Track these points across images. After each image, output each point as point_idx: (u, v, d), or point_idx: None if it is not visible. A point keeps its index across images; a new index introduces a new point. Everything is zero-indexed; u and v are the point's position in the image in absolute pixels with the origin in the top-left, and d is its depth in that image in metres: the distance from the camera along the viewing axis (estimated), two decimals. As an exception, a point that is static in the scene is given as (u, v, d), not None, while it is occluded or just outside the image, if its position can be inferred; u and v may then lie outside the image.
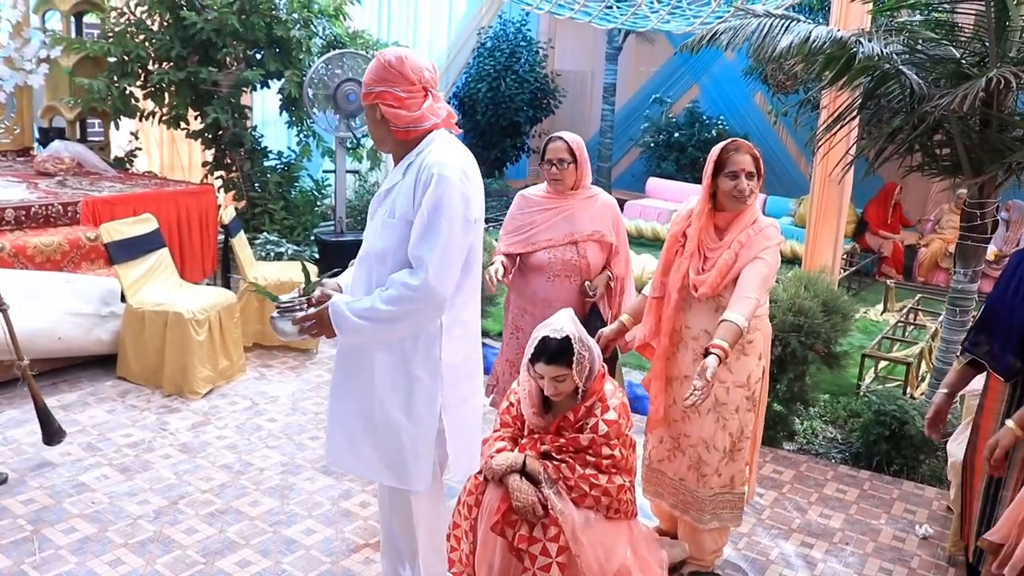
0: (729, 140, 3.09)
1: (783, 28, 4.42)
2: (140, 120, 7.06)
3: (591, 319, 3.70)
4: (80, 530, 3.41)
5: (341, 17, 7.31)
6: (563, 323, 2.87)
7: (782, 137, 11.45)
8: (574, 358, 2.80)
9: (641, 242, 9.82)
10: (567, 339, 2.81)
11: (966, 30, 4.69)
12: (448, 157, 2.44)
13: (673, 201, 10.69)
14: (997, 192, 4.71)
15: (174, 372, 4.73)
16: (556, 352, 2.80)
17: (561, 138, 3.70)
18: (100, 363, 5.03)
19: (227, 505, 3.67)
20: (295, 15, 6.84)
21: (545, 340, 2.83)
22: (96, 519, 3.50)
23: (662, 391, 3.26)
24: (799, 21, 4.52)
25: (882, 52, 4.26)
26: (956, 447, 3.51)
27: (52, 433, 3.89)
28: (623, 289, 3.91)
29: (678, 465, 3.26)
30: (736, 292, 2.97)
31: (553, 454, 2.89)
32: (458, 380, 2.61)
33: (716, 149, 3.07)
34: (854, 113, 4.90)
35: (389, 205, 2.51)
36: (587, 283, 3.74)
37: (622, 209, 10.58)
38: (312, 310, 2.49)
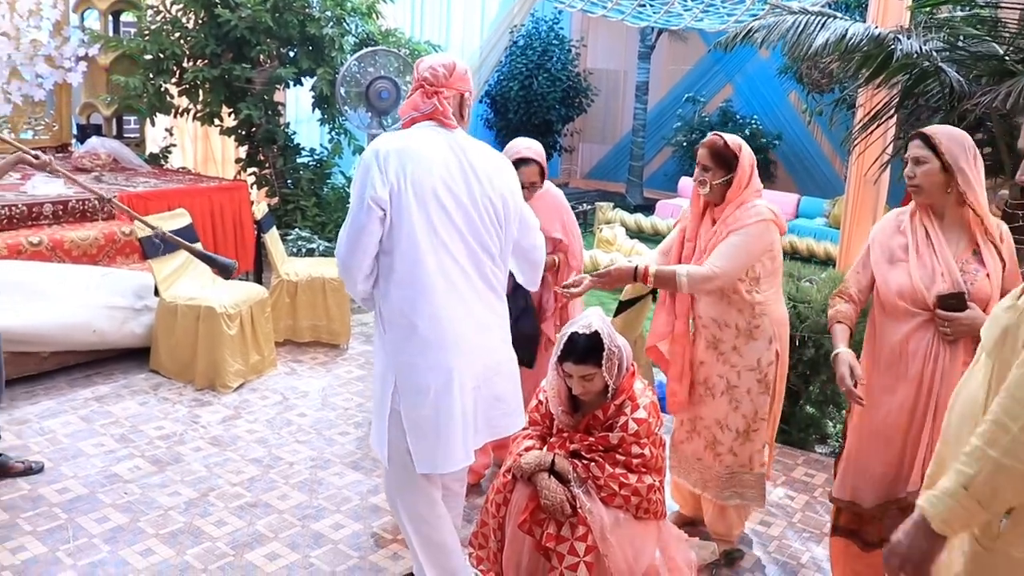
0: (709, 135, 3.29)
1: (819, 25, 4.36)
2: (175, 117, 7.14)
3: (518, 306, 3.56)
4: (113, 520, 3.45)
5: (374, 15, 7.34)
6: (592, 320, 2.85)
7: (817, 137, 11.34)
8: (603, 355, 2.78)
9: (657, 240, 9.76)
10: (596, 335, 2.79)
11: (1010, 26, 4.60)
12: (378, 140, 2.61)
13: (705, 201, 10.60)
14: (1040, 193, 4.61)
15: (206, 366, 4.77)
16: (585, 351, 2.77)
17: (533, 160, 3.52)
18: (133, 356, 5.08)
19: (256, 498, 3.69)
20: (328, 13, 6.88)
21: (573, 338, 2.80)
22: (128, 509, 3.53)
23: (686, 375, 3.36)
24: (835, 18, 4.46)
25: (921, 49, 4.19)
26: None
27: (224, 267, 3.84)
28: (562, 272, 3.73)
29: (696, 446, 3.39)
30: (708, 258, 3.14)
31: (582, 453, 2.87)
32: (413, 370, 2.62)
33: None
34: (891, 112, 4.82)
35: None
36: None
37: (654, 209, 10.65)
38: None
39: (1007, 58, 4.45)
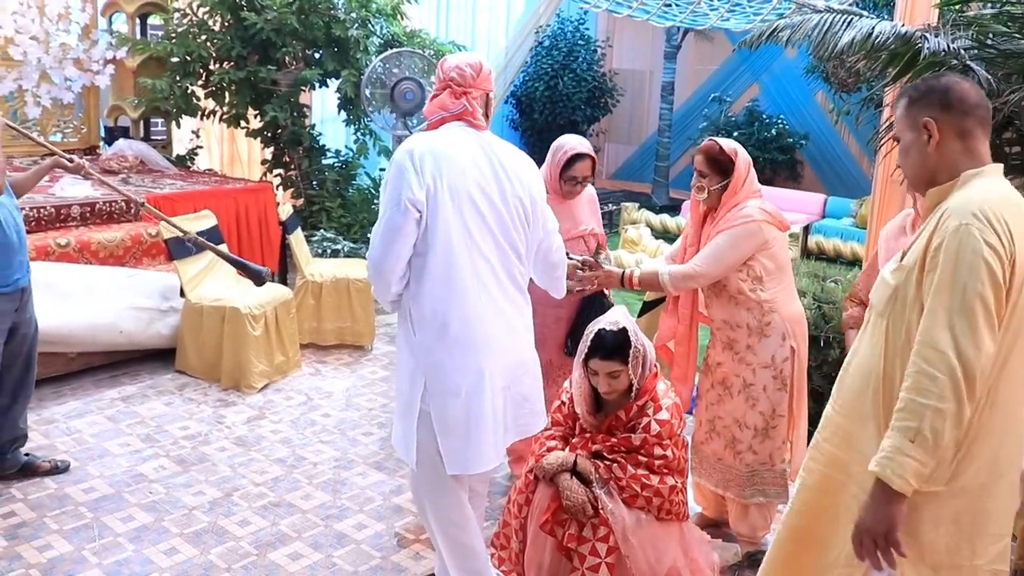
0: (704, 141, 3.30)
1: (844, 24, 4.31)
2: (201, 119, 7.20)
3: (596, 301, 3.61)
4: (137, 519, 3.48)
5: (399, 16, 7.37)
6: (618, 317, 2.85)
7: (844, 137, 11.22)
8: (630, 352, 2.77)
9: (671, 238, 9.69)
10: (624, 332, 2.79)
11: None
12: (410, 141, 2.57)
13: (731, 201, 10.52)
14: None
15: (231, 366, 4.80)
16: (613, 347, 2.78)
17: (588, 155, 3.55)
18: (159, 357, 5.13)
19: (280, 498, 3.71)
20: (353, 14, 6.91)
21: (601, 334, 2.80)
22: (153, 509, 3.56)
23: (689, 376, 3.47)
24: (861, 17, 4.41)
25: (949, 47, 4.13)
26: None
27: (256, 274, 3.84)
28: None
29: (716, 446, 3.40)
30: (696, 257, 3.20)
31: (604, 454, 2.87)
32: (443, 372, 2.61)
33: None
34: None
35: None
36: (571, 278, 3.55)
37: (680, 210, 10.60)
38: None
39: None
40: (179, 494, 3.70)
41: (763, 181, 12.46)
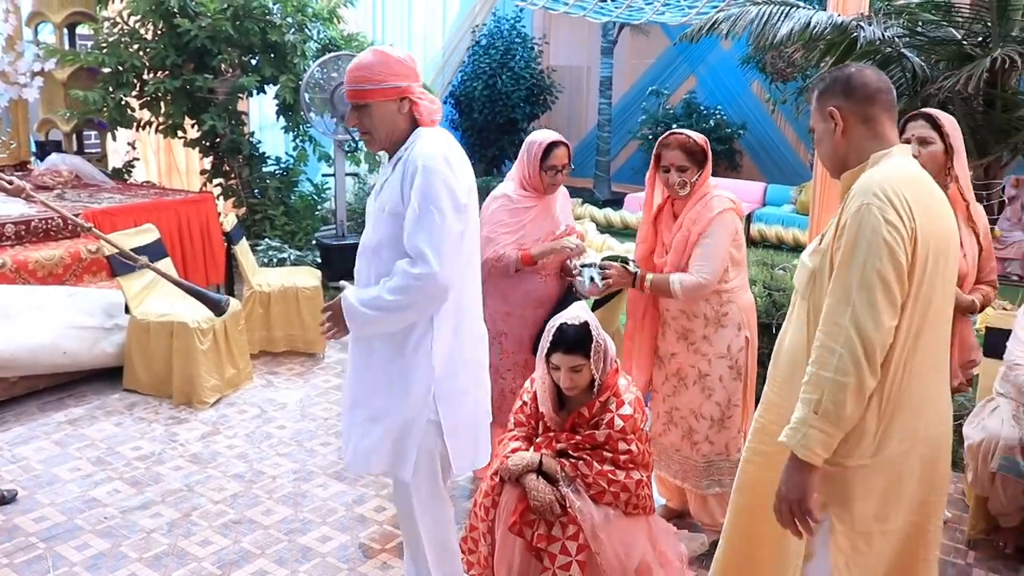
0: (667, 133, 3.27)
1: (782, 15, 4.40)
2: (137, 130, 7.02)
3: (568, 300, 3.63)
4: (93, 546, 3.38)
5: (335, 20, 7.28)
6: (579, 312, 2.86)
7: (780, 125, 11.42)
8: (592, 347, 2.78)
9: (629, 234, 9.77)
10: (585, 326, 2.80)
11: (963, 11, 4.66)
12: (432, 147, 2.49)
13: (673, 193, 10.63)
14: (1003, 172, 4.68)
15: (181, 382, 4.70)
16: (575, 341, 2.78)
17: (562, 142, 3.60)
18: (106, 376, 4.99)
19: (241, 515, 3.63)
20: (289, 19, 6.81)
21: (563, 328, 2.81)
22: (109, 534, 3.46)
23: (648, 366, 3.47)
24: (798, 7, 4.49)
25: (883, 36, 4.24)
26: (972, 429, 3.49)
27: (215, 304, 3.69)
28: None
29: (673, 437, 3.44)
30: (689, 267, 3.22)
31: (569, 452, 2.87)
32: (454, 371, 2.61)
33: (657, 142, 3.27)
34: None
35: (381, 200, 2.58)
36: (568, 262, 3.65)
37: (622, 203, 10.68)
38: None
39: (964, 42, 4.51)
40: (135, 517, 3.60)
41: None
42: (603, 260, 3.33)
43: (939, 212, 2.00)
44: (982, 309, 3.28)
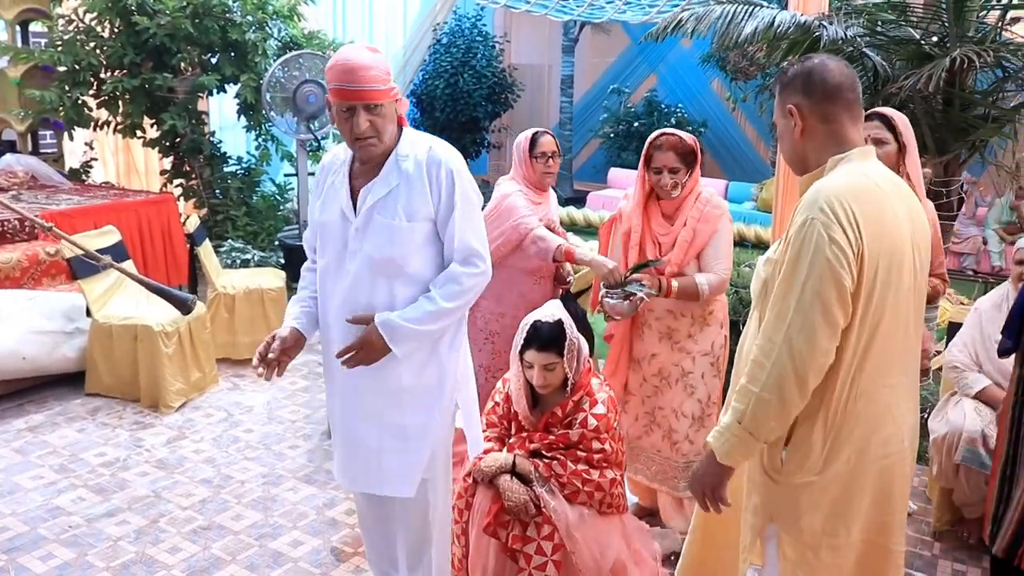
0: (657, 134, 3.24)
1: (747, 14, 4.43)
2: (95, 130, 6.89)
3: (567, 304, 3.65)
4: (58, 556, 3.31)
5: (296, 18, 7.20)
6: (553, 310, 2.86)
7: (740, 123, 11.53)
8: (566, 344, 2.78)
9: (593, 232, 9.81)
10: (559, 324, 2.80)
11: (920, 11, 4.74)
12: (447, 148, 2.53)
13: (636, 191, 10.68)
14: (961, 170, 4.77)
15: (146, 386, 4.62)
16: (549, 338, 2.79)
17: (547, 132, 3.71)
18: (67, 381, 4.89)
19: (209, 521, 3.58)
20: (249, 17, 6.72)
21: (537, 325, 2.81)
22: (74, 543, 3.39)
23: (624, 369, 3.43)
24: (762, 7, 4.53)
25: (845, 35, 4.29)
26: (936, 423, 3.56)
27: (181, 302, 3.58)
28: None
29: (655, 438, 3.41)
30: (705, 266, 3.21)
31: (543, 452, 2.87)
32: (465, 358, 2.72)
33: (646, 143, 3.24)
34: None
35: (395, 207, 2.44)
36: (561, 268, 3.76)
37: (585, 201, 10.71)
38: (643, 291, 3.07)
39: (922, 42, 4.58)
40: (101, 525, 3.53)
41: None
42: (631, 272, 3.19)
43: (892, 224, 1.90)
44: (931, 301, 3.33)
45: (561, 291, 3.77)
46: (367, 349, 2.42)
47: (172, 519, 3.59)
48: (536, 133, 3.69)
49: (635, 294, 3.12)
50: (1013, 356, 2.80)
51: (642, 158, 3.25)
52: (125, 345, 4.65)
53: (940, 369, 3.92)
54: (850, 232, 1.82)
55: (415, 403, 2.56)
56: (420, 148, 2.48)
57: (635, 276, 3.17)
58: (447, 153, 2.49)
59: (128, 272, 3.59)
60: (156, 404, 4.63)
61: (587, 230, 9.71)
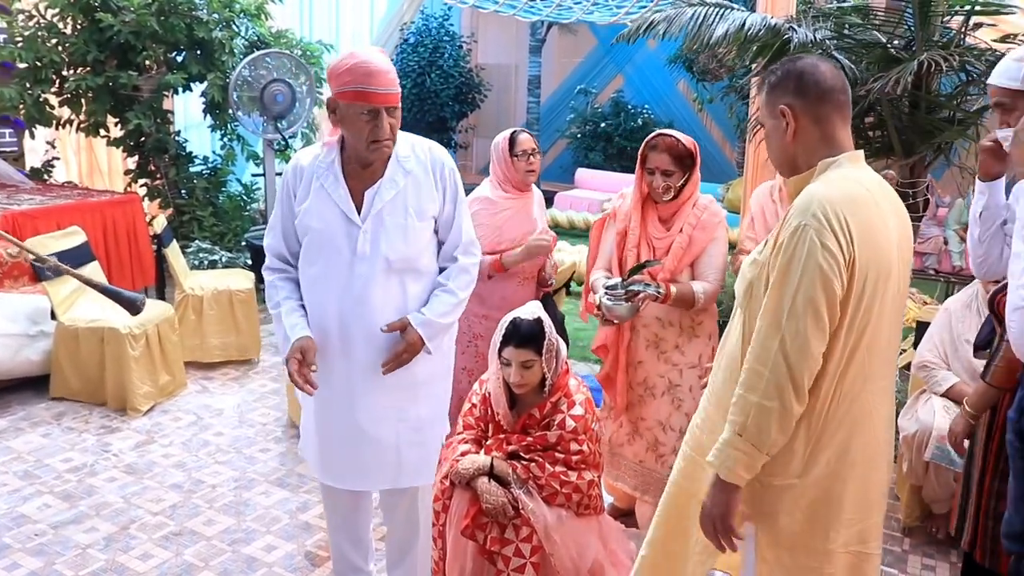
0: (653, 135, 3.17)
1: (718, 16, 4.45)
2: (56, 128, 6.76)
3: (546, 307, 3.64)
4: (24, 565, 3.24)
5: (263, 16, 7.12)
6: (533, 309, 2.86)
7: (706, 124, 11.61)
8: (544, 343, 2.78)
9: (574, 233, 9.82)
10: (539, 322, 2.79)
11: (885, 15, 4.81)
12: (440, 147, 2.66)
13: (603, 191, 10.73)
14: (927, 171, 4.84)
15: (113, 390, 4.55)
16: (528, 336, 2.78)
17: (525, 130, 3.69)
18: (30, 385, 4.80)
19: (181, 526, 3.53)
20: (216, 15, 6.63)
21: (516, 322, 2.80)
22: (41, 552, 3.33)
23: (624, 381, 3.32)
24: (732, 9, 4.56)
25: (815, 38, 4.33)
26: (906, 422, 3.60)
27: (130, 302, 3.48)
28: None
29: (637, 447, 3.36)
30: (700, 275, 3.15)
31: (521, 453, 2.86)
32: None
33: (643, 144, 3.18)
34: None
35: (405, 207, 2.51)
36: (543, 271, 3.74)
37: (553, 201, 10.73)
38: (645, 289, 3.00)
39: (889, 46, 4.64)
40: (69, 533, 3.46)
41: (632, 170, 12.59)
42: (630, 274, 3.08)
43: (881, 232, 1.91)
44: None
45: (542, 293, 3.76)
46: (410, 352, 2.51)
47: (142, 525, 3.53)
48: (514, 132, 3.67)
49: (637, 294, 3.03)
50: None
51: (639, 158, 3.19)
52: (91, 348, 4.57)
53: (906, 367, 3.97)
54: (842, 239, 1.82)
55: (428, 394, 2.67)
56: (420, 149, 2.57)
57: (635, 278, 3.07)
58: (443, 152, 2.63)
59: (72, 272, 3.51)
60: (123, 408, 4.55)
61: (554, 230, 9.64)
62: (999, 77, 2.29)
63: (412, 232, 2.52)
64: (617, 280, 3.09)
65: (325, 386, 2.53)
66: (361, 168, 2.51)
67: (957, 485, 3.42)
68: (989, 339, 2.86)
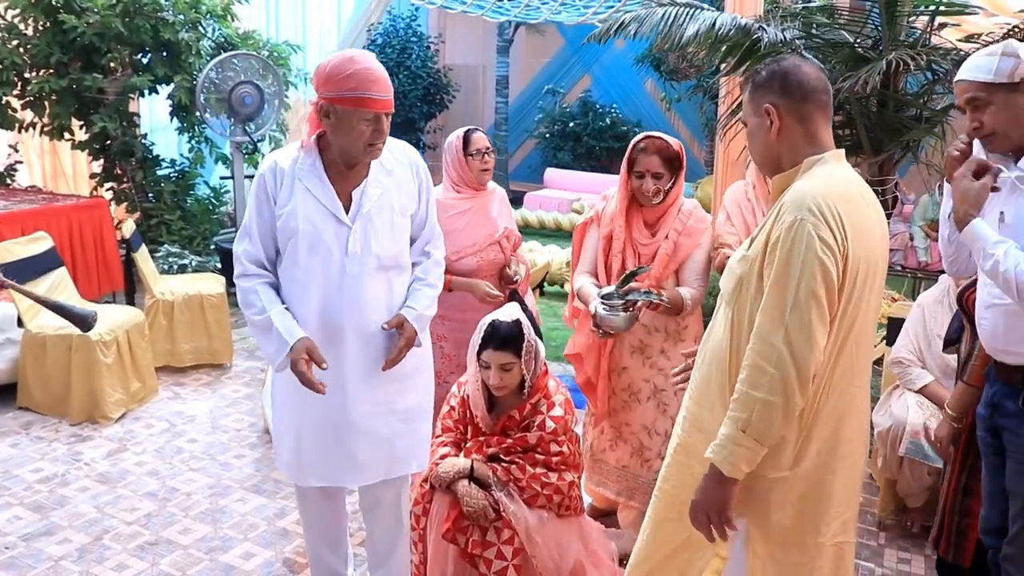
0: (641, 137, 3.11)
1: (689, 16, 4.48)
2: (19, 132, 6.64)
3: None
4: (-4, 577, 3.19)
5: (230, 17, 7.05)
6: (512, 311, 2.86)
7: (674, 123, 11.67)
8: (523, 345, 2.77)
9: (544, 233, 9.82)
10: (517, 324, 2.79)
11: (853, 15, 4.87)
12: (411, 147, 2.73)
13: (572, 191, 10.74)
14: (895, 169, 4.90)
15: (83, 398, 4.46)
16: (507, 338, 2.77)
17: (479, 129, 3.65)
18: (-4, 394, 4.72)
19: (156, 535, 3.48)
20: (182, 16, 6.55)
21: (495, 324, 2.80)
22: (12, 566, 3.26)
23: (605, 387, 3.28)
24: (702, 9, 4.59)
25: (785, 38, 4.37)
26: (880, 417, 3.65)
27: (81, 319, 3.35)
28: (528, 273, 3.89)
29: (620, 453, 3.31)
30: (685, 280, 3.11)
31: (501, 456, 2.86)
32: None
33: (629, 146, 3.13)
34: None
35: (391, 206, 2.58)
36: (507, 268, 3.65)
37: (522, 201, 10.73)
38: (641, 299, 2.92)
39: (856, 45, 4.70)
40: (41, 545, 3.40)
41: (601, 169, 12.66)
42: (622, 282, 2.95)
43: (869, 228, 1.96)
44: None
45: (508, 291, 3.72)
46: (409, 346, 2.60)
47: (117, 535, 3.47)
48: (468, 131, 3.61)
49: (636, 302, 2.92)
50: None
51: (625, 161, 3.12)
52: (60, 356, 4.49)
53: (878, 363, 4.02)
54: (837, 232, 1.86)
55: (415, 386, 2.73)
56: (396, 149, 2.62)
57: (631, 286, 2.95)
58: (415, 151, 2.72)
59: (18, 287, 3.42)
60: (94, 416, 4.47)
61: (524, 230, 9.58)
62: (971, 72, 2.29)
63: (397, 230, 2.60)
64: (611, 289, 2.98)
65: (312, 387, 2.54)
66: (346, 169, 2.52)
67: (931, 479, 3.49)
68: (958, 335, 2.90)
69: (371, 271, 2.54)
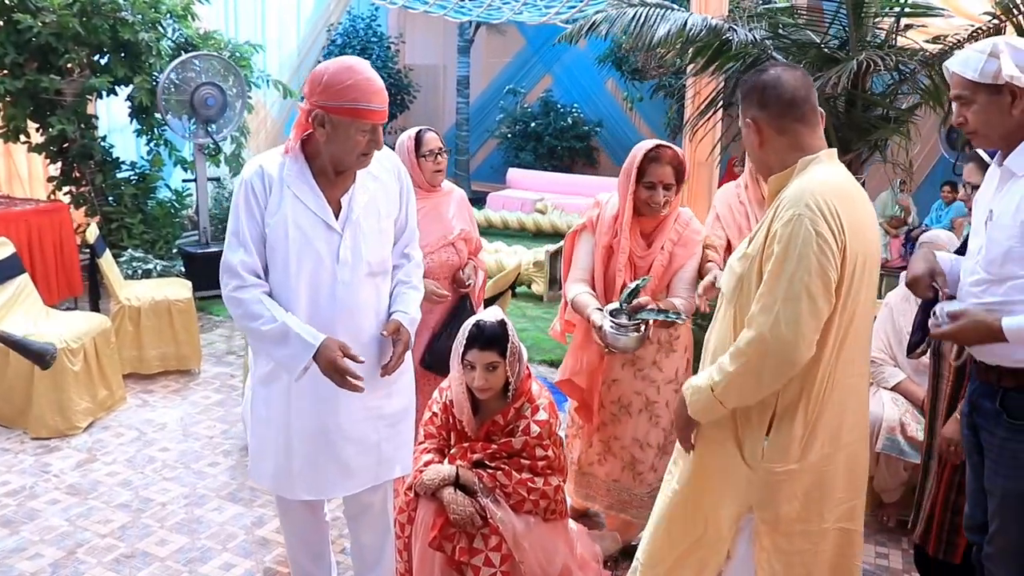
0: (651, 146, 3.00)
1: (659, 17, 4.50)
2: (-27, 134, 6.46)
3: (460, 311, 3.56)
4: (-33, 595, 3.09)
5: (190, 17, 6.93)
6: (496, 312, 2.84)
7: (635, 122, 11.75)
8: (508, 346, 2.75)
9: (507, 233, 9.81)
10: (502, 324, 2.77)
11: (816, 16, 4.94)
12: (390, 150, 2.71)
13: (535, 191, 10.76)
14: (863, 168, 4.97)
15: (48, 408, 4.33)
16: (492, 337, 2.75)
17: (431, 129, 3.60)
18: (-44, 405, 4.56)
19: (132, 548, 3.40)
20: (141, 16, 6.42)
21: (480, 324, 2.78)
22: (-16, 581, 3.18)
23: (594, 399, 3.22)
24: (672, 9, 4.61)
25: (754, 39, 4.41)
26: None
27: (38, 356, 3.16)
28: (484, 280, 3.88)
29: (610, 467, 3.24)
30: (675, 290, 3.08)
31: (486, 461, 2.83)
32: None
33: (637, 154, 3.00)
34: (725, 98, 5.05)
35: (378, 212, 2.57)
36: (461, 272, 3.59)
37: (485, 202, 10.71)
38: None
39: (823, 46, 4.76)
40: (12, 561, 3.30)
41: (563, 168, 12.73)
42: (627, 299, 2.82)
43: (864, 224, 2.02)
44: None
45: (459, 295, 3.67)
46: (406, 351, 2.61)
47: (91, 548, 3.39)
48: (420, 131, 3.56)
49: (647, 321, 2.79)
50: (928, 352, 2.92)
51: (633, 170, 2.98)
52: (23, 365, 4.35)
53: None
54: (835, 227, 1.92)
55: (399, 389, 2.71)
56: (380, 154, 2.57)
57: (639, 302, 2.80)
58: (397, 156, 2.74)
59: None
60: (59, 427, 4.35)
61: (487, 231, 9.67)
62: (960, 65, 2.23)
63: (384, 235, 2.60)
64: (616, 305, 2.85)
65: (301, 396, 2.50)
66: (335, 175, 2.49)
67: (907, 475, 3.54)
68: (922, 338, 2.91)
69: (362, 278, 2.52)
